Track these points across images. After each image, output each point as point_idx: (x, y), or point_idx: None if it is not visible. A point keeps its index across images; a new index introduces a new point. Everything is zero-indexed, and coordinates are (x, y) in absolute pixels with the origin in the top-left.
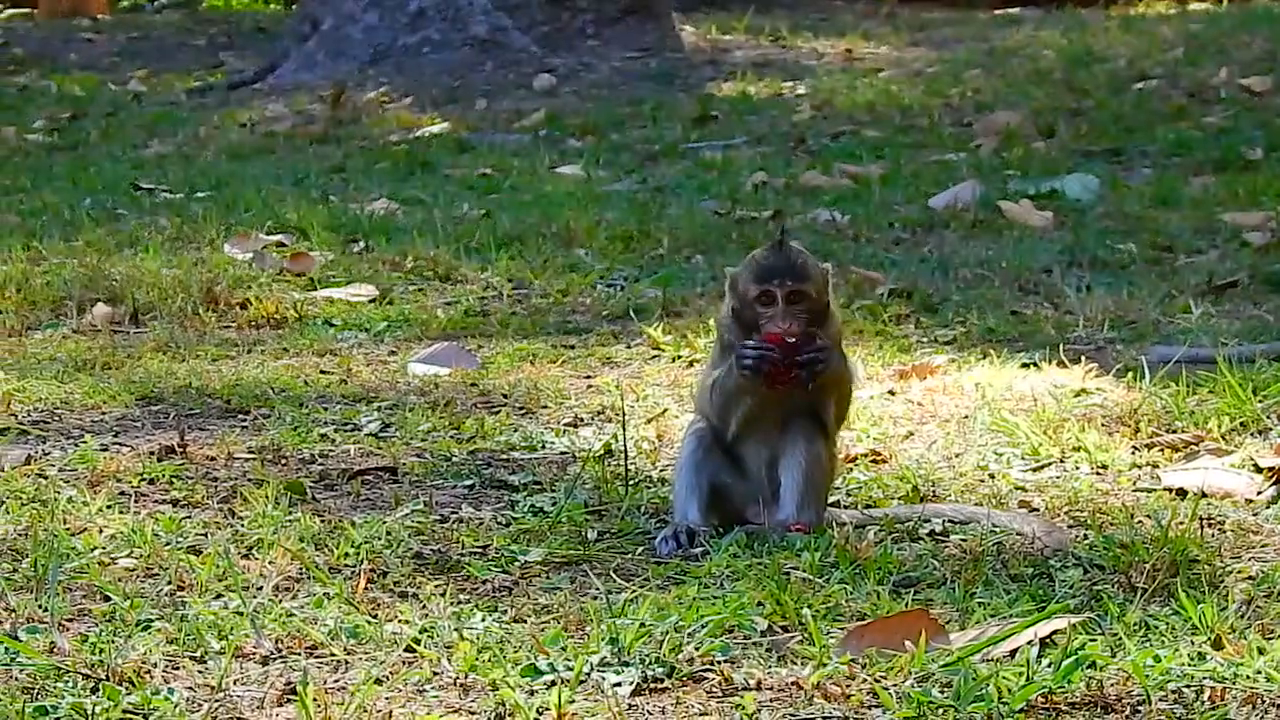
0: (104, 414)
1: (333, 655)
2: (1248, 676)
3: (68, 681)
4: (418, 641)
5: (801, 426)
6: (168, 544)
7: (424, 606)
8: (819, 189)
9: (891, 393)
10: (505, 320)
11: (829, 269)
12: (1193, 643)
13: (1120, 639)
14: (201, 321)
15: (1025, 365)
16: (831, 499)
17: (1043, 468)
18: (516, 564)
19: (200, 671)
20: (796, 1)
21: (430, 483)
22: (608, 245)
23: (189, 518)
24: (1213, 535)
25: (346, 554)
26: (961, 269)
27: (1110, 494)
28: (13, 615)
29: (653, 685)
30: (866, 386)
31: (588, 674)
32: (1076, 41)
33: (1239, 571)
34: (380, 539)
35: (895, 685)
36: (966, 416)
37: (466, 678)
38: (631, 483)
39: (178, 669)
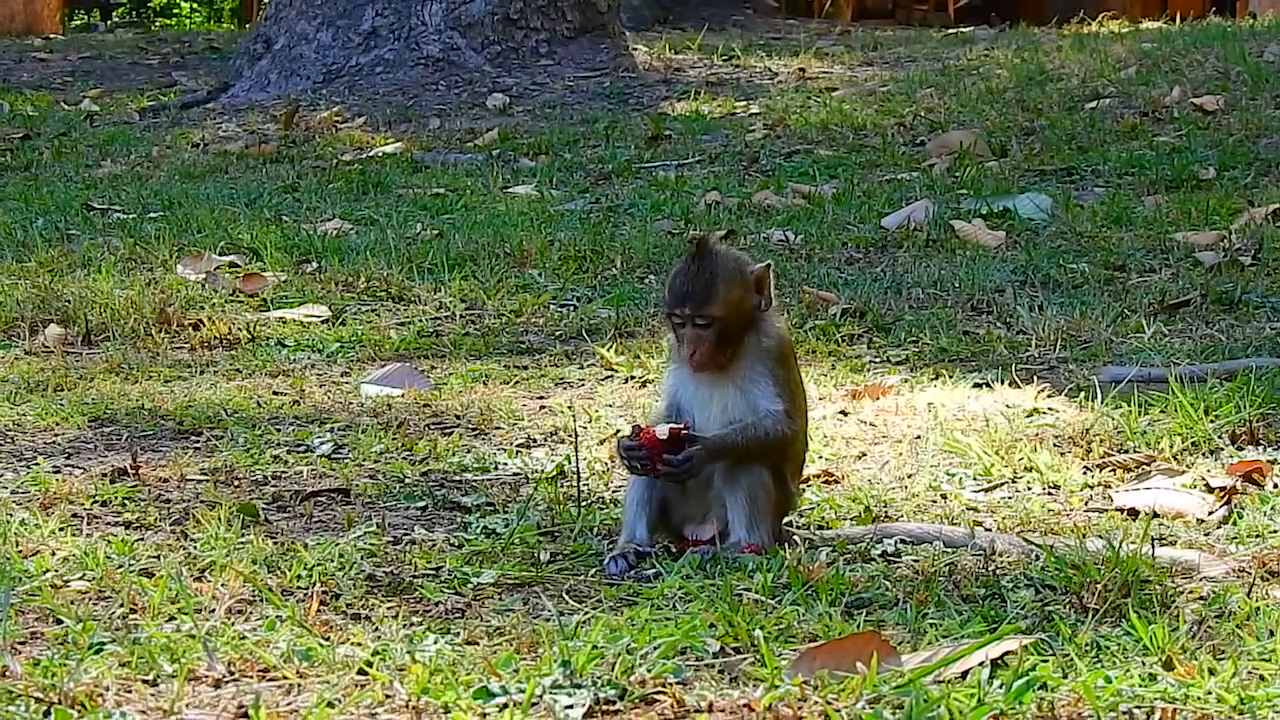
0: (56, 436)
1: (285, 678)
2: (1198, 697)
3: (20, 705)
4: (370, 664)
5: None
6: (120, 566)
7: (376, 629)
8: (772, 208)
9: (844, 413)
10: (458, 341)
11: (760, 268)
12: (1144, 663)
13: (1072, 660)
14: (154, 342)
15: (978, 385)
16: (785, 520)
17: (995, 488)
18: (469, 586)
19: (153, 695)
20: (750, 21)
21: (383, 504)
22: (561, 265)
23: (141, 540)
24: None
25: (299, 576)
26: (914, 288)
27: (1062, 514)
28: None
29: (605, 708)
30: (819, 407)
31: (540, 696)
32: (1029, 60)
33: (1190, 592)
34: (333, 561)
35: (847, 707)
36: (919, 437)
37: (419, 700)
38: (584, 504)
39: (130, 692)
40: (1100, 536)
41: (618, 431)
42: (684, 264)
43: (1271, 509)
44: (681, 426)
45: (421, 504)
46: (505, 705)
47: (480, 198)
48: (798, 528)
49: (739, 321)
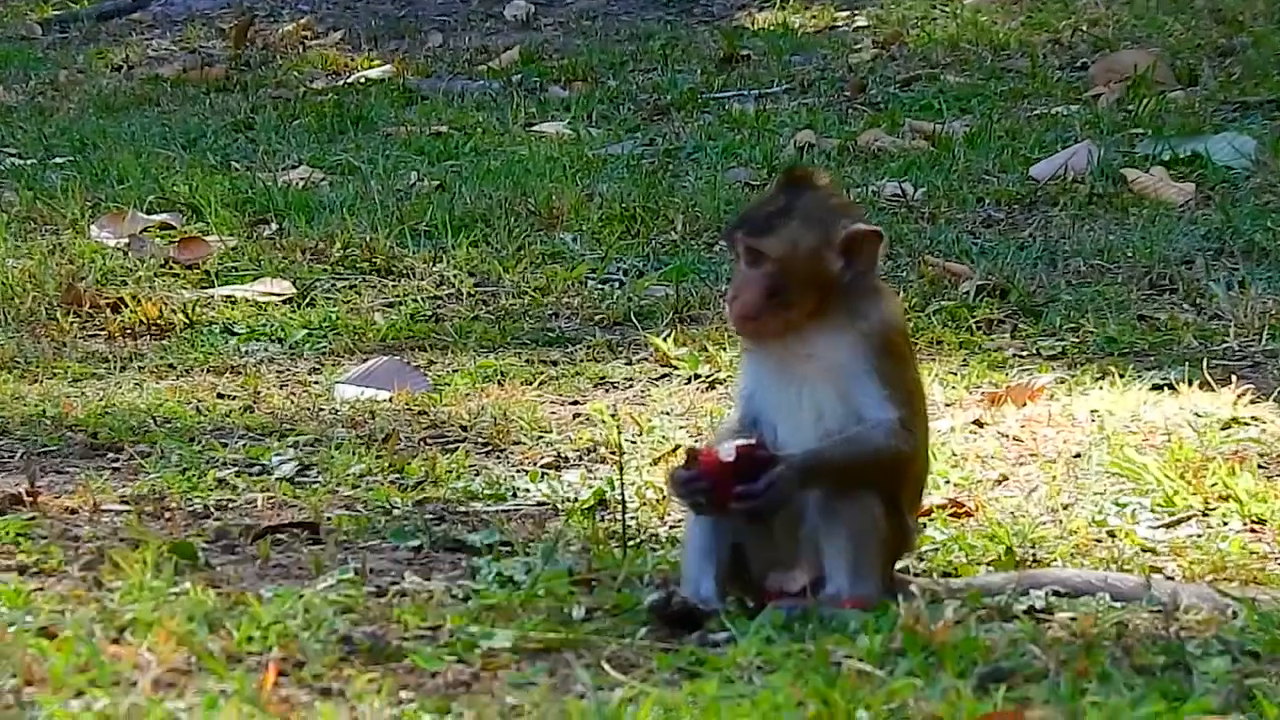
0: None
1: None
2: None
3: None
4: None
5: None
6: (12, 625)
7: (353, 708)
8: (884, 153)
9: (979, 424)
10: (465, 327)
11: (859, 229)
12: None
13: None
14: (59, 329)
15: (1157, 387)
16: (899, 566)
17: (1179, 523)
18: (477, 651)
19: None
20: None
21: (363, 544)
22: (602, 228)
23: (41, 590)
24: None
25: (250, 638)
26: (1073, 259)
27: (1268, 558)
28: None
29: None
30: (946, 416)
31: None
32: None
33: None
34: (295, 618)
35: None
36: (1078, 455)
37: None
38: (631, 544)
39: None
40: None
41: (676, 448)
42: (768, 193)
43: None
44: (752, 442)
45: (414, 543)
46: None
47: (495, 138)
48: (915, 575)
49: (807, 280)
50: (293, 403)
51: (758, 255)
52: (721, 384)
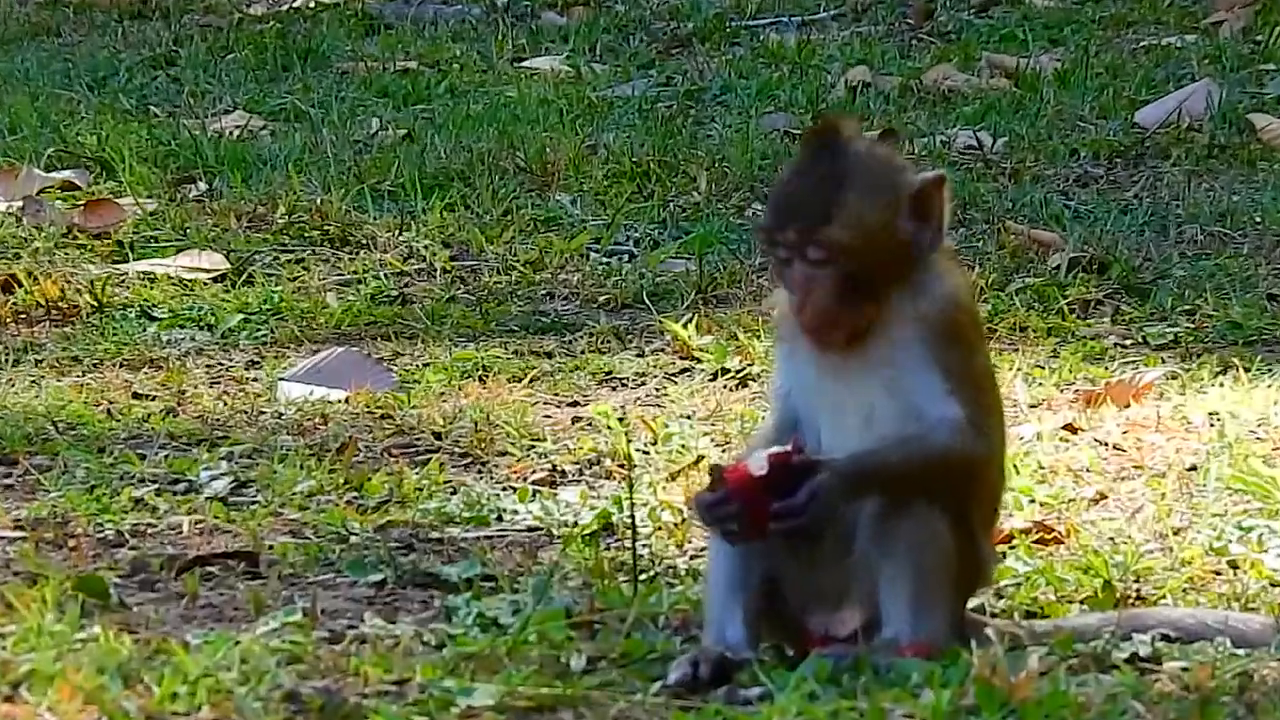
0: None
1: None
2: None
3: None
4: None
5: None
6: None
7: None
8: (956, 94)
9: (1072, 429)
10: (438, 311)
11: (928, 179)
12: None
13: None
14: None
15: None
16: (972, 604)
17: None
18: (454, 710)
19: None
20: None
21: (314, 578)
22: (608, 188)
23: None
24: None
25: (174, 695)
26: (1188, 225)
27: None
28: None
29: None
30: (1031, 419)
31: None
32: None
33: None
34: (230, 669)
35: None
36: (1193, 468)
37: None
38: (642, 578)
39: None
40: None
41: (698, 460)
42: (799, 160)
43: None
44: (787, 449)
45: (377, 577)
46: None
47: (476, 77)
48: (992, 614)
49: (884, 264)
50: (226, 404)
51: (825, 249)
52: (755, 380)
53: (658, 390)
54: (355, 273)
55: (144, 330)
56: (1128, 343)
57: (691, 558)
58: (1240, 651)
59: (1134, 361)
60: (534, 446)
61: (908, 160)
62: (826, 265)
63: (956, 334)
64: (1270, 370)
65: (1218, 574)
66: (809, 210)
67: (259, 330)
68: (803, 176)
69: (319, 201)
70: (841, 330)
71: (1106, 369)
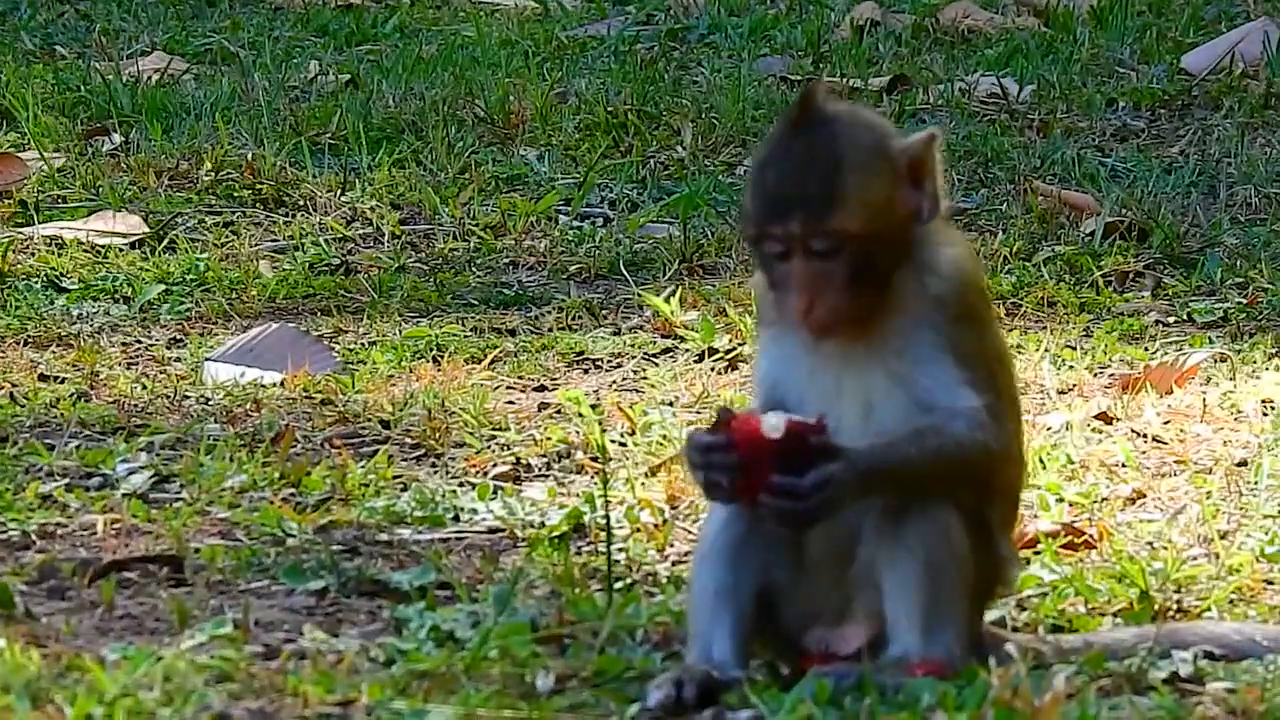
0: None
1: None
2: None
3: None
4: None
5: None
6: None
7: None
8: (977, 34)
9: (1106, 418)
10: (387, 282)
11: (917, 140)
12: None
13: None
14: None
15: None
16: (990, 615)
17: None
18: None
19: None
20: None
21: (245, 585)
22: (579, 142)
23: None
24: None
25: (89, 716)
26: (1240, 186)
27: None
28: None
29: None
30: (1059, 407)
31: None
32: None
33: None
34: (152, 689)
35: None
36: (1243, 463)
37: None
38: (618, 586)
39: None
40: None
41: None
42: (779, 142)
43: None
44: (811, 421)
45: (318, 585)
46: None
47: (430, 13)
48: (1013, 628)
49: (888, 243)
50: (145, 388)
51: (833, 240)
52: (745, 361)
53: (636, 373)
54: (292, 238)
55: (51, 303)
56: (1170, 320)
57: (674, 564)
58: None
59: (1177, 342)
60: (495, 437)
61: (883, 117)
62: (834, 256)
63: (967, 313)
64: None
65: (1269, 584)
66: (808, 198)
67: (182, 303)
68: (790, 160)
69: (250, 156)
70: (849, 322)
71: (1146, 350)
